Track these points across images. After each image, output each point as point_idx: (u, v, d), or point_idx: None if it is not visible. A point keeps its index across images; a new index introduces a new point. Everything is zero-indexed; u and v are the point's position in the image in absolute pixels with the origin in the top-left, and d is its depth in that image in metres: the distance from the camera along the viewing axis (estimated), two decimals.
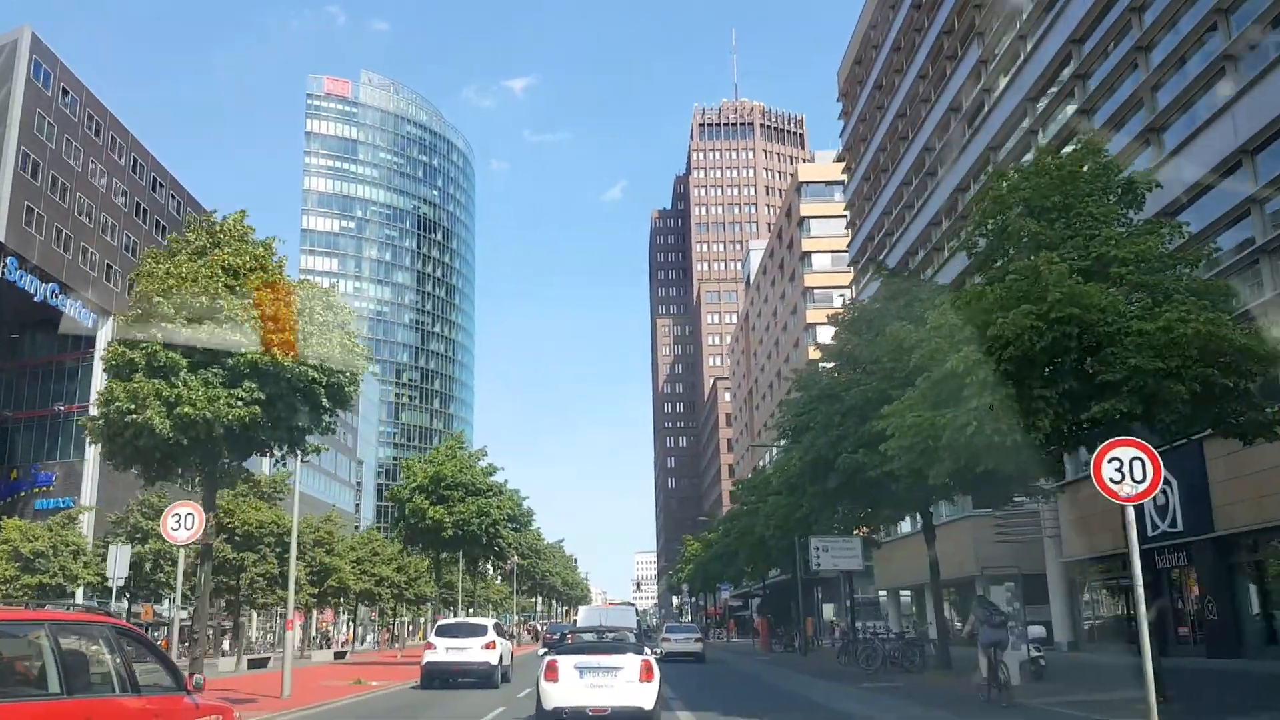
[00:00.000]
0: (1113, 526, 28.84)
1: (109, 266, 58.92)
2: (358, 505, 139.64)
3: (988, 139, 39.11)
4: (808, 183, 76.53)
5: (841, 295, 74.25)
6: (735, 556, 52.40)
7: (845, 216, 75.56)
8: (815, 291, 74.71)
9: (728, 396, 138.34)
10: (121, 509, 46.13)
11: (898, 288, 26.26)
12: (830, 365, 29.55)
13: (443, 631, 23.61)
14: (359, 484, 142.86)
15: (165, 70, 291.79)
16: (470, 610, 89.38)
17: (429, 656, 22.66)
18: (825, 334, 77.58)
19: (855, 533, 35.59)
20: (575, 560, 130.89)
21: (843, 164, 76.40)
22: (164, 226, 63.77)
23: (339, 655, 43.88)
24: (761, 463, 74.80)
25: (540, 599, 75.37)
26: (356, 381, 18.62)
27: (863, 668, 27.65)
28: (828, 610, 69.85)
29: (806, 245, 75.24)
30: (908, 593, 56.54)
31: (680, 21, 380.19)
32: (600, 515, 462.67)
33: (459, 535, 33.52)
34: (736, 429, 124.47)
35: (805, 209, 75.73)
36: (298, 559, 53.19)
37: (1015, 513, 37.31)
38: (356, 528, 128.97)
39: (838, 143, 74.62)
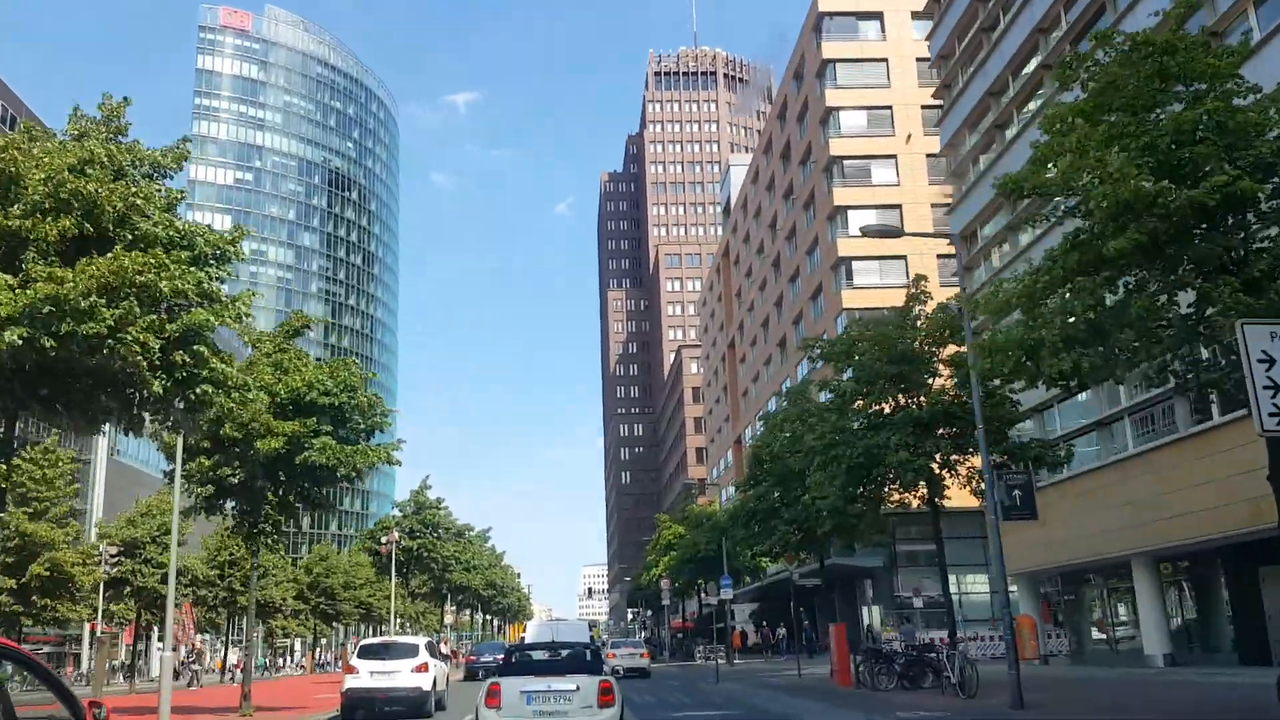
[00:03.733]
0: None
1: None
2: None
3: None
4: (831, 14, 54.54)
5: (889, 163, 52.52)
6: (772, 519, 29.73)
7: (884, 61, 54.15)
8: (845, 163, 52.67)
9: (695, 368, 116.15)
10: None
11: None
12: None
13: (366, 652, 20.63)
14: None
15: None
16: (379, 629, 65.49)
17: (350, 682, 19.60)
18: (859, 219, 55.49)
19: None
20: (511, 567, 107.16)
21: None
22: None
23: None
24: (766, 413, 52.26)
25: (448, 604, 51.81)
26: None
27: None
28: (872, 614, 47.51)
29: (831, 99, 53.19)
30: (1051, 585, 34.53)
31: (636, 31, 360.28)
32: (546, 532, 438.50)
33: (40, 361, 10.18)
34: (708, 403, 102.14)
35: (829, 49, 53.74)
36: None
37: None
38: None
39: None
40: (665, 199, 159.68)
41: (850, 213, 51.98)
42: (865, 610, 46.67)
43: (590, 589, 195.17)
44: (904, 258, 51.21)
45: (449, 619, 52.64)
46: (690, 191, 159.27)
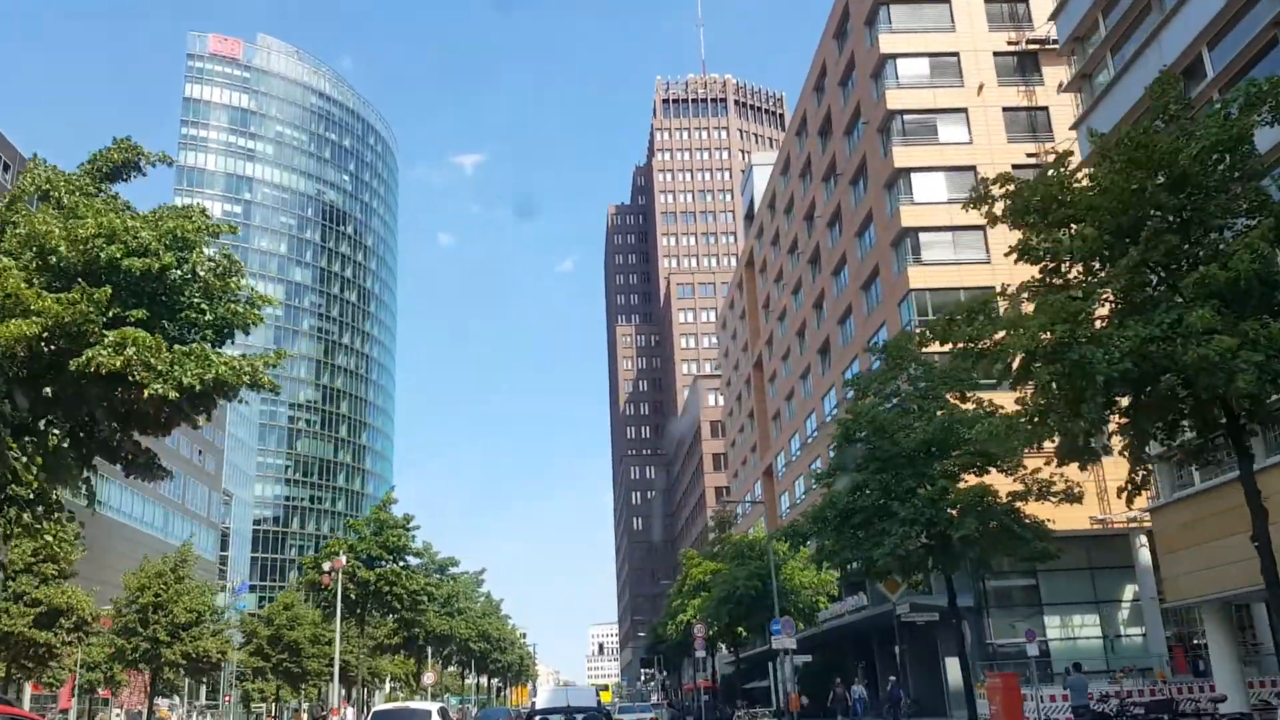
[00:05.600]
0: None
1: None
2: (223, 556, 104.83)
3: None
4: None
5: (958, 118, 44.01)
6: (882, 518, 20.53)
7: (947, 1, 46.08)
8: (906, 119, 44.12)
9: (713, 400, 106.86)
10: None
11: None
12: None
13: (380, 719, 20.62)
14: (227, 526, 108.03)
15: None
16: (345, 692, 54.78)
17: None
18: (925, 185, 46.76)
19: None
20: (510, 619, 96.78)
21: None
22: None
23: None
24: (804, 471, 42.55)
25: (429, 659, 41.65)
26: None
27: None
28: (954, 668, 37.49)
29: (886, 45, 44.87)
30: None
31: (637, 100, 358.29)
32: (551, 590, 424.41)
33: None
34: (730, 434, 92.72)
35: None
36: None
37: None
38: (223, 586, 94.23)
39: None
40: (676, 229, 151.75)
41: (914, 176, 43.28)
42: (963, 663, 36.69)
43: (601, 645, 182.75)
44: (981, 228, 42.28)
45: (429, 678, 41.79)
46: (702, 221, 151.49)
